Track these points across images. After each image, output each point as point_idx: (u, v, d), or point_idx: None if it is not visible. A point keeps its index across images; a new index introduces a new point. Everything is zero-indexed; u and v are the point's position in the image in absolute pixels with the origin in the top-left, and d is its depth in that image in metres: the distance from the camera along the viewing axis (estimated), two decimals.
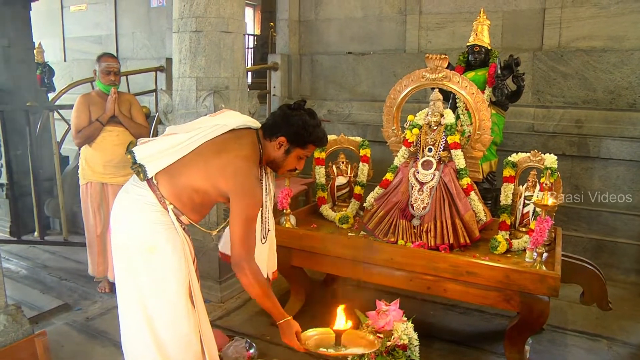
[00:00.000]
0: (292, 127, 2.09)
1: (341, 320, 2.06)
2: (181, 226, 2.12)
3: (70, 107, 3.76)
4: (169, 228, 2.08)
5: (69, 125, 4.25)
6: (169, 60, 6.67)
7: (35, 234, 4.93)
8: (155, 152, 2.10)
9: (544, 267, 2.57)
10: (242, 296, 3.79)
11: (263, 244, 2.30)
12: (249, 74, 8.49)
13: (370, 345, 2.12)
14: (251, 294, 2.07)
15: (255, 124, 2.21)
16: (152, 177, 2.06)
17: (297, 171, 2.25)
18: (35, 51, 6.20)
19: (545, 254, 2.70)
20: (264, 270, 2.36)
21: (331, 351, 2.02)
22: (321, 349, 2.03)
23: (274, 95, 6.29)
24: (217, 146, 2.08)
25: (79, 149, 3.82)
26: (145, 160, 2.08)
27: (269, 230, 2.33)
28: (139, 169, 2.07)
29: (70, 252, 4.68)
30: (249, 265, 2.01)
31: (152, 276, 2.06)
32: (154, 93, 6.61)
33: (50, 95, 6.49)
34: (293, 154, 2.15)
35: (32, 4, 5.53)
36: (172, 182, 2.07)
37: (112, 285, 3.86)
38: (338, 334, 2.04)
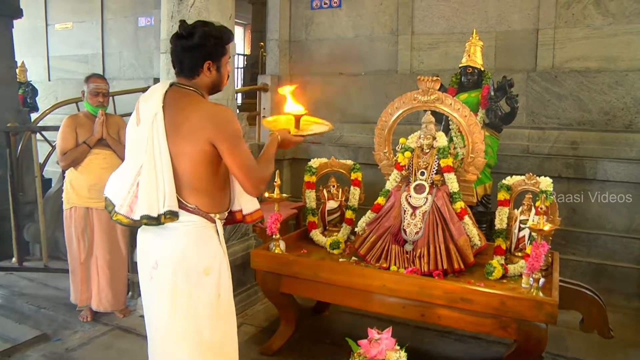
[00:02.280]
0: (206, 48, 2.00)
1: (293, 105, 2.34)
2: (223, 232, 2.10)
3: (54, 128, 3.68)
4: (215, 243, 2.06)
5: (53, 147, 4.15)
6: (156, 80, 6.59)
7: (14, 259, 4.74)
8: (153, 190, 1.95)
9: (541, 294, 2.50)
10: None
11: None
12: (239, 95, 8.44)
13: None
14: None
15: (168, 82, 2.09)
16: (180, 204, 1.98)
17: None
18: (17, 70, 6.12)
19: (542, 280, 2.62)
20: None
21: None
22: (307, 133, 2.34)
23: (263, 117, 6.21)
24: (172, 129, 1.96)
25: (63, 172, 3.71)
26: (162, 205, 1.94)
27: None
28: (168, 217, 1.95)
29: (50, 278, 4.48)
30: (261, 180, 2.03)
31: (208, 296, 2.04)
32: None
33: (33, 116, 6.36)
34: (223, 65, 2.09)
35: (15, 21, 5.44)
36: (191, 188, 1.99)
37: (94, 314, 3.73)
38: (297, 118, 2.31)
